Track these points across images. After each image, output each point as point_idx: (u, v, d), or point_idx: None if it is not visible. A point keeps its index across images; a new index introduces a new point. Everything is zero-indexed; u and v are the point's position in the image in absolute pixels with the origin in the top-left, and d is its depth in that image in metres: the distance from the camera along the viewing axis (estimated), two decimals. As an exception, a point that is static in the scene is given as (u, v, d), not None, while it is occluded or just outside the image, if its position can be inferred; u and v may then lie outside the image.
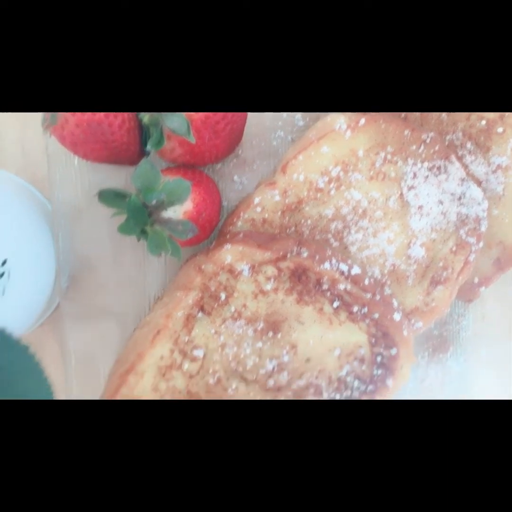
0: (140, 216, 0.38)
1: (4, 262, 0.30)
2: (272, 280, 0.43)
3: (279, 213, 0.45)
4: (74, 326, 0.48)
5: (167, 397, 0.45)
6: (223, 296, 0.44)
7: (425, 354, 0.51)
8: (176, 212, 0.39)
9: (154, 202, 0.37)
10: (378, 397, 0.45)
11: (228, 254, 0.42)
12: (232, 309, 0.44)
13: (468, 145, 0.45)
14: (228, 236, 0.44)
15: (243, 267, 0.43)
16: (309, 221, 0.45)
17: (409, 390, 0.51)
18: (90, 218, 0.46)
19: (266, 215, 0.45)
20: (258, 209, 0.44)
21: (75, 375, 0.48)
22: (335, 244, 0.45)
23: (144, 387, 0.43)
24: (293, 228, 0.45)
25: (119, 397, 0.43)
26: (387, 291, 0.45)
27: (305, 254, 0.43)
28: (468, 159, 0.46)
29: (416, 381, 0.51)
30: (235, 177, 0.47)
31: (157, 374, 0.44)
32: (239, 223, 0.45)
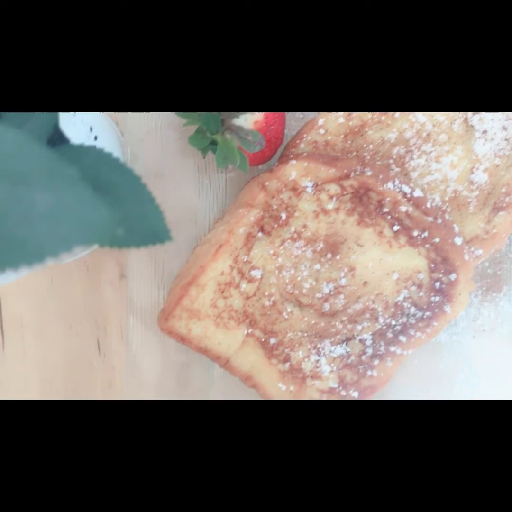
0: (213, 122, 0.39)
1: (96, 138, 0.31)
2: (334, 199, 0.44)
3: (342, 136, 0.45)
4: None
5: (225, 315, 0.45)
6: (283, 216, 0.45)
7: (478, 293, 0.51)
8: (247, 121, 0.40)
9: (228, 105, 0.38)
10: (436, 323, 0.45)
11: (293, 169, 0.43)
12: (292, 229, 0.45)
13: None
14: (291, 157, 0.45)
15: (307, 183, 0.43)
16: (371, 146, 0.45)
17: (461, 329, 0.51)
18: (156, 139, 0.48)
19: (329, 138, 0.45)
20: (322, 131, 0.45)
21: (134, 293, 0.48)
22: (396, 169, 0.45)
23: (204, 300, 0.44)
24: (354, 153, 0.45)
25: (179, 309, 0.44)
26: (447, 218, 0.45)
27: (368, 173, 0.43)
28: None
29: (468, 319, 0.51)
30: (297, 105, 0.48)
31: (216, 290, 0.45)
32: (302, 145, 0.45)
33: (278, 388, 0.45)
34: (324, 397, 0.45)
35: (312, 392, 0.45)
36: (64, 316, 0.51)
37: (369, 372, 0.45)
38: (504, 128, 0.44)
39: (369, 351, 0.46)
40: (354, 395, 0.45)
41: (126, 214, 0.21)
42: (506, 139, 0.44)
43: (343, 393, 0.45)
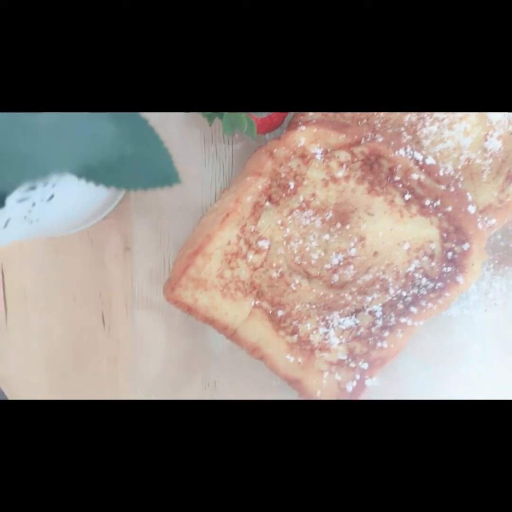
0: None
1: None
2: (344, 166, 0.43)
3: (352, 103, 0.44)
4: (140, 220, 0.48)
5: (231, 286, 0.44)
6: (292, 185, 0.43)
7: (490, 266, 0.50)
8: (255, 83, 0.39)
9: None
10: (448, 294, 0.44)
11: (302, 136, 0.42)
12: (301, 198, 0.44)
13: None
14: (300, 124, 0.44)
15: (316, 150, 0.42)
16: (382, 113, 0.44)
17: (473, 302, 0.50)
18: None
19: (339, 105, 0.44)
20: (331, 97, 0.44)
21: (139, 266, 0.48)
22: (408, 137, 0.44)
23: (210, 270, 0.43)
24: (365, 121, 0.44)
25: (185, 278, 0.43)
26: (460, 187, 0.44)
27: (380, 140, 0.42)
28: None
29: (480, 293, 0.50)
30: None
31: (223, 260, 0.44)
32: (311, 113, 0.44)
33: (286, 359, 0.44)
34: (333, 369, 0.44)
35: (321, 364, 0.45)
36: (68, 290, 0.50)
37: (379, 344, 0.44)
38: (520, 94, 0.42)
39: (379, 322, 0.45)
40: (364, 366, 0.44)
41: (133, 155, 0.20)
42: (521, 105, 0.43)
43: (352, 365, 0.44)
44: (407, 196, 0.43)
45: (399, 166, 0.42)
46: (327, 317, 0.46)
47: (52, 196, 0.28)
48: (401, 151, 0.42)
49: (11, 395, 0.50)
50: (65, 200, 0.31)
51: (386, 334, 0.44)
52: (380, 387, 0.47)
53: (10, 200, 0.23)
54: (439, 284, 0.44)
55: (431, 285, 0.44)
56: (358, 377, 0.44)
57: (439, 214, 0.43)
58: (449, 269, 0.44)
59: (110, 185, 0.21)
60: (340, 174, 0.43)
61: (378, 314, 0.45)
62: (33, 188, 0.25)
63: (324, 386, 0.45)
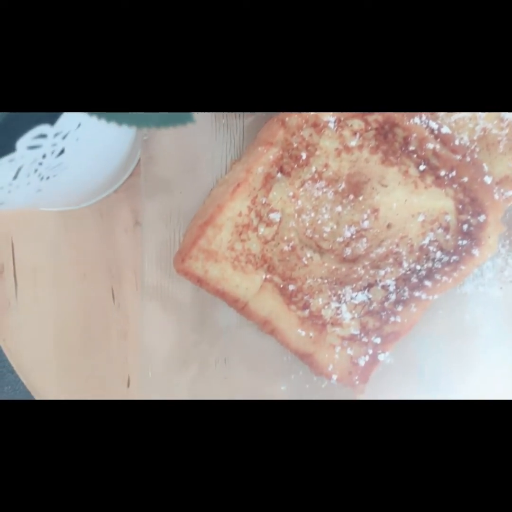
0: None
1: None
2: (357, 135, 0.42)
3: (366, 72, 0.43)
4: (150, 194, 0.47)
5: (242, 259, 0.44)
6: (304, 155, 0.43)
7: (506, 243, 0.49)
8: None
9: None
10: (464, 267, 0.43)
11: (315, 103, 0.41)
12: (313, 169, 0.43)
13: None
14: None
15: (329, 118, 0.41)
16: (396, 83, 0.43)
17: (488, 280, 0.49)
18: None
19: (352, 74, 0.43)
20: (345, 67, 0.43)
21: (149, 241, 0.47)
22: (423, 107, 0.43)
23: (221, 242, 0.43)
24: (378, 91, 0.44)
25: (196, 249, 0.42)
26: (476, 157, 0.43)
27: (394, 108, 0.41)
28: None
29: (495, 270, 0.49)
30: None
31: (234, 232, 0.43)
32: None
33: (297, 334, 0.44)
34: (345, 344, 0.44)
35: (333, 338, 0.44)
36: (78, 265, 0.50)
37: (392, 319, 0.43)
38: (538, 62, 0.41)
39: (392, 297, 0.44)
40: (376, 341, 0.43)
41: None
42: (539, 73, 0.42)
43: (365, 340, 0.44)
44: (422, 167, 0.42)
45: (414, 135, 0.41)
46: (339, 292, 0.45)
47: (62, 151, 0.27)
48: (416, 120, 0.41)
49: (20, 371, 0.50)
50: (75, 159, 0.30)
51: (400, 308, 0.44)
52: (392, 364, 0.46)
53: (21, 145, 0.23)
54: (454, 257, 0.43)
55: (446, 258, 0.43)
56: (370, 352, 0.43)
57: (455, 185, 0.42)
58: (465, 242, 0.43)
59: (122, 123, 0.20)
60: (353, 143, 0.42)
61: (391, 288, 0.44)
62: (43, 135, 0.24)
63: (336, 361, 0.44)
